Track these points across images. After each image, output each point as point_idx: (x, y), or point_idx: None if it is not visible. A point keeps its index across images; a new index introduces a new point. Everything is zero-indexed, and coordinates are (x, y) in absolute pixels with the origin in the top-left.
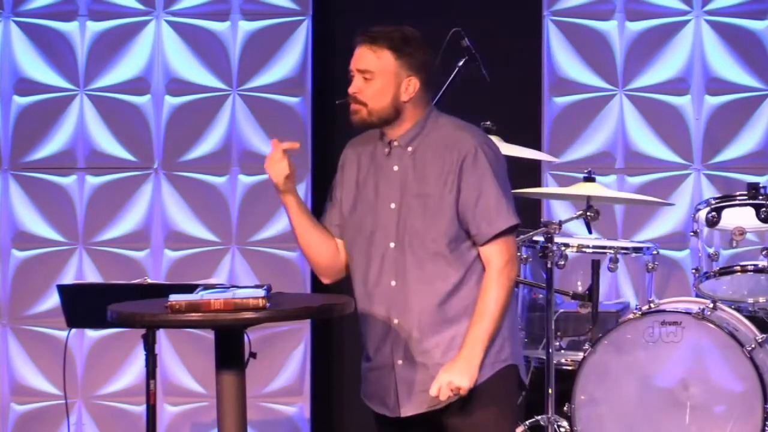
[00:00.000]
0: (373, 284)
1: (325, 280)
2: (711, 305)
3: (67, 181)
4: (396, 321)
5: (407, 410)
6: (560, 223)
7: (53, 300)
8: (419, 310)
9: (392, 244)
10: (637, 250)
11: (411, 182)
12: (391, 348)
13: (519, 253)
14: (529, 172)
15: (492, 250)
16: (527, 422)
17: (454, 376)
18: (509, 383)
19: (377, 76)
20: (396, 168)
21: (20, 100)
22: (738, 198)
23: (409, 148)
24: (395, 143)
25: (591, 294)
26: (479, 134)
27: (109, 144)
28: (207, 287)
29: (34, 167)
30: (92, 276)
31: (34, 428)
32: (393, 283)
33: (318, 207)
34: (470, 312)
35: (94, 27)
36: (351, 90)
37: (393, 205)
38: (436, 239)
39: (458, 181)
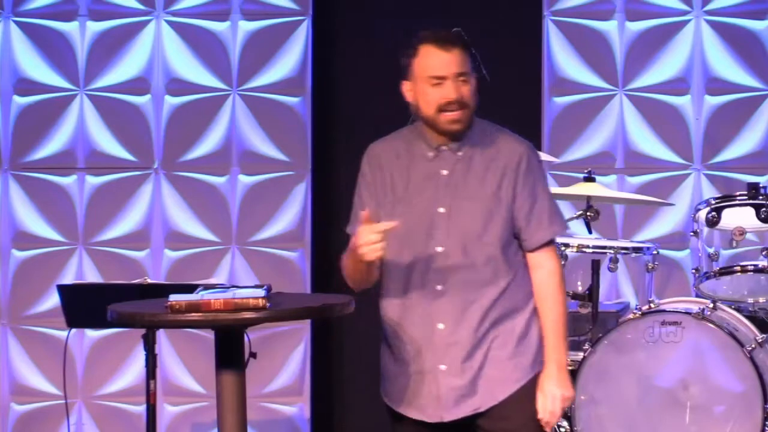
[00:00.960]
0: (417, 288)
1: (358, 289)
2: (711, 305)
3: (67, 181)
4: (441, 326)
5: (450, 415)
6: None
7: (53, 300)
8: (466, 315)
9: (439, 249)
10: (637, 250)
11: (463, 186)
12: (433, 353)
13: None
14: None
15: (543, 255)
16: None
17: (561, 388)
18: None
19: (469, 76)
20: (445, 172)
21: (20, 100)
22: (738, 198)
23: (460, 153)
24: (444, 148)
25: (591, 294)
26: (524, 140)
27: (109, 144)
28: (207, 287)
29: (34, 167)
30: (92, 276)
31: (34, 428)
32: (439, 287)
33: (318, 207)
34: (512, 316)
35: (94, 27)
36: (455, 95)
37: (442, 209)
38: (491, 243)
39: (514, 184)
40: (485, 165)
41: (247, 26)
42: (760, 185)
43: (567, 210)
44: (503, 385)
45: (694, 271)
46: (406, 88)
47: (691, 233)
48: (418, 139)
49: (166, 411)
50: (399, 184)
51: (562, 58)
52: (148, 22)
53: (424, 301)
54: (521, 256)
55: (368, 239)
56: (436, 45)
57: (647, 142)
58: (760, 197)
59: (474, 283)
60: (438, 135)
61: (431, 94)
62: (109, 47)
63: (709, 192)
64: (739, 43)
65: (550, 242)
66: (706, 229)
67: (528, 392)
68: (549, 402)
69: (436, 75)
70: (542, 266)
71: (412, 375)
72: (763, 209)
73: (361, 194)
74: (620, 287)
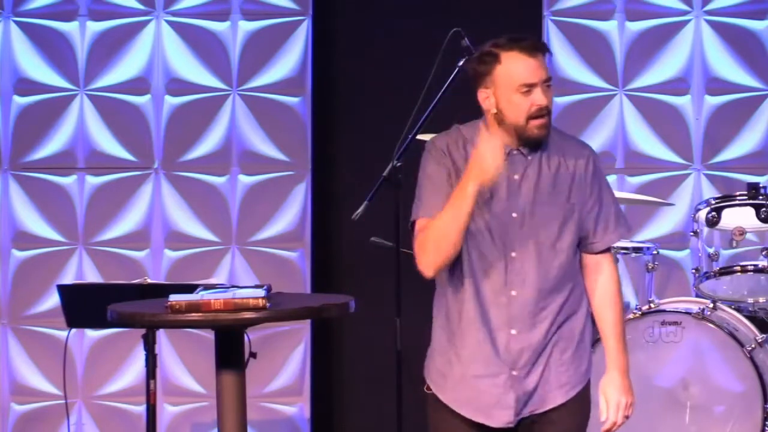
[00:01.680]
0: (490, 292)
1: (434, 273)
2: (711, 305)
3: (67, 181)
4: (514, 331)
5: (516, 418)
6: None
7: (53, 300)
8: (538, 321)
9: (514, 254)
10: (637, 250)
11: (535, 191)
12: (507, 358)
13: None
14: None
15: (605, 259)
16: None
17: (626, 395)
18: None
19: (551, 82)
20: (516, 177)
21: (20, 100)
22: (738, 198)
23: (529, 157)
24: (515, 152)
25: None
26: (587, 143)
27: (109, 144)
28: (207, 287)
29: (34, 167)
30: (92, 276)
31: (34, 428)
32: (513, 293)
33: (318, 207)
34: (571, 319)
35: (94, 27)
36: (545, 102)
37: (515, 215)
38: (564, 250)
39: (583, 191)
40: (555, 170)
41: (247, 26)
42: (760, 185)
43: None
44: (561, 390)
45: (694, 271)
46: (484, 96)
47: (691, 233)
48: (480, 139)
49: (166, 411)
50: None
51: (562, 58)
52: (148, 22)
53: (500, 306)
54: (578, 260)
55: (495, 147)
56: (522, 52)
57: (647, 142)
58: (760, 197)
59: (546, 289)
60: (513, 139)
61: (521, 102)
62: (109, 47)
63: (709, 192)
64: (739, 43)
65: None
66: (706, 229)
67: (581, 399)
68: (613, 410)
69: (526, 83)
70: (603, 270)
71: (481, 378)
72: (763, 209)
73: (435, 181)
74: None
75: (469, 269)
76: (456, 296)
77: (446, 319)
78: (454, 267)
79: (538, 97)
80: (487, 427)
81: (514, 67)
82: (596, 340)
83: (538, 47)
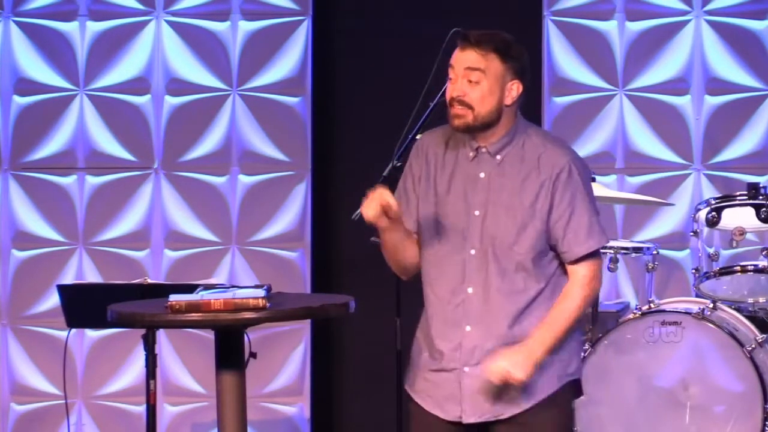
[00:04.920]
0: (450, 289)
1: (405, 278)
2: (711, 305)
3: (67, 181)
4: (468, 328)
5: (470, 418)
6: None
7: (53, 300)
8: (494, 321)
9: (473, 251)
10: (637, 250)
11: (498, 191)
12: (460, 354)
13: None
14: None
15: (579, 267)
16: None
17: (512, 366)
18: (570, 399)
19: (485, 78)
20: (482, 175)
21: (20, 100)
22: (738, 198)
23: (498, 157)
24: (483, 149)
25: None
26: (571, 149)
27: (109, 144)
28: (207, 287)
29: (34, 167)
30: (92, 276)
31: (34, 428)
32: (470, 290)
33: (318, 207)
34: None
35: (94, 27)
36: (455, 93)
37: (477, 213)
38: (522, 252)
39: (551, 197)
40: (524, 174)
41: (247, 26)
42: (760, 185)
43: None
44: (530, 395)
45: (694, 271)
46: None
47: (691, 233)
48: (464, 136)
49: (166, 411)
50: (442, 181)
51: (562, 58)
52: (148, 22)
53: (458, 303)
54: (557, 266)
55: (372, 200)
56: (461, 41)
57: (647, 142)
58: (760, 197)
59: (504, 290)
60: (479, 135)
61: (448, 88)
62: (109, 47)
63: (709, 192)
64: (739, 43)
65: (590, 256)
66: (706, 229)
67: (552, 403)
68: (496, 372)
69: (450, 66)
70: (574, 274)
71: (438, 372)
72: (763, 209)
73: (406, 185)
74: (620, 287)
75: (431, 265)
76: (426, 290)
77: (423, 314)
78: (424, 261)
79: (451, 87)
80: (456, 425)
81: (453, 54)
82: (596, 340)
83: (465, 37)
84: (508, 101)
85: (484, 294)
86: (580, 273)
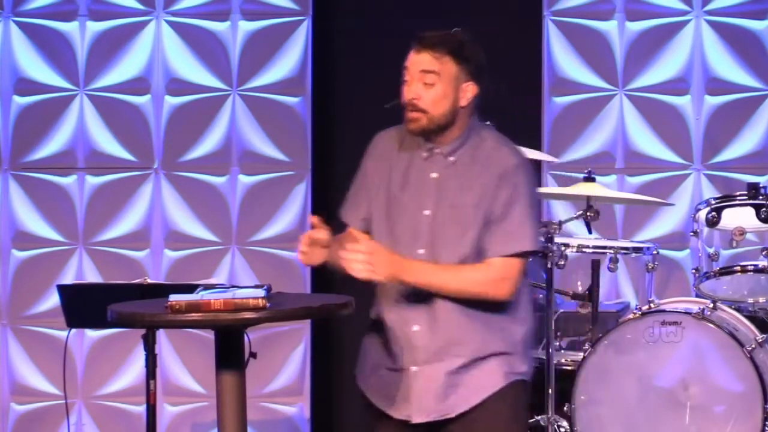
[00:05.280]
0: (399, 288)
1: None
2: (711, 305)
3: (67, 181)
4: (416, 328)
5: (419, 417)
6: (560, 223)
7: (53, 300)
8: (440, 319)
9: (421, 251)
10: (637, 250)
11: (448, 192)
12: (407, 353)
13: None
14: None
15: (497, 261)
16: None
17: (380, 261)
18: (521, 397)
19: (439, 81)
20: (434, 175)
21: (20, 100)
22: (738, 198)
23: (451, 158)
24: (437, 150)
25: (591, 294)
26: (520, 153)
27: (109, 144)
28: (207, 287)
29: (34, 167)
30: (92, 276)
31: (34, 428)
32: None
33: (318, 207)
34: (490, 327)
35: (94, 27)
36: (409, 96)
37: (427, 212)
38: (466, 252)
39: (492, 198)
40: (474, 175)
41: (247, 26)
42: (760, 185)
43: (567, 210)
44: (476, 392)
45: (694, 271)
46: None
47: (691, 233)
48: (423, 139)
49: (166, 411)
50: (394, 179)
51: (562, 58)
52: (148, 22)
53: (404, 302)
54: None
55: (305, 244)
56: (415, 44)
57: (647, 142)
58: (760, 197)
59: None
60: (433, 136)
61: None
62: (109, 47)
63: (709, 192)
64: (739, 43)
65: (512, 258)
66: (706, 229)
67: (501, 399)
68: (357, 252)
69: (404, 68)
70: (490, 266)
71: (387, 371)
72: (763, 209)
73: (358, 184)
74: (620, 287)
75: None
76: (378, 291)
77: (374, 312)
78: None
79: (406, 90)
80: (413, 426)
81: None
82: (597, 340)
83: (421, 42)
84: (463, 103)
85: (430, 295)
86: (495, 267)
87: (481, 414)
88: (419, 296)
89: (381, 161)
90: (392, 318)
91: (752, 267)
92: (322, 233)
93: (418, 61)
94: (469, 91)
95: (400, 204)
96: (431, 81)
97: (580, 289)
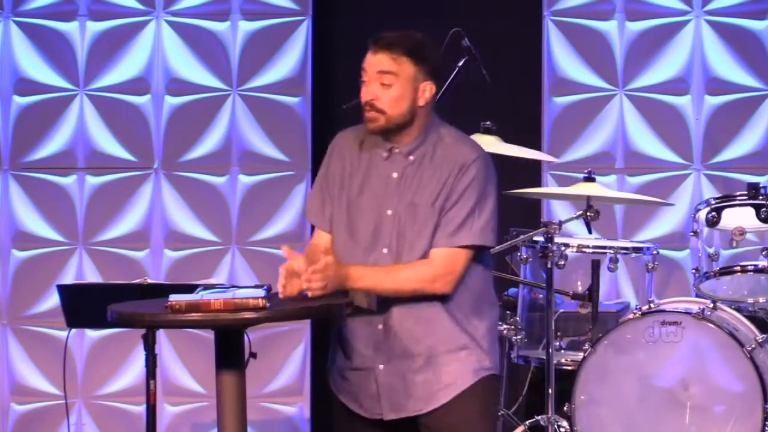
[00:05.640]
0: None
1: None
2: (711, 305)
3: (67, 181)
4: (380, 326)
5: (389, 415)
6: (560, 223)
7: (53, 300)
8: (403, 317)
9: (385, 250)
10: (637, 250)
11: (408, 191)
12: (373, 352)
13: (519, 253)
14: (529, 172)
15: (440, 254)
16: (527, 422)
17: (330, 276)
18: (490, 391)
19: (396, 81)
20: (395, 175)
21: (20, 100)
22: (738, 198)
23: (411, 157)
24: (396, 150)
25: (591, 294)
26: (479, 149)
27: (109, 144)
28: (207, 287)
29: (34, 167)
30: (92, 276)
31: (34, 428)
32: None
33: None
34: (453, 320)
35: (94, 27)
36: (367, 97)
37: (390, 212)
38: (423, 248)
39: (447, 194)
40: (431, 172)
41: (247, 26)
42: (760, 185)
43: (567, 210)
44: (445, 389)
45: (694, 271)
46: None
47: (691, 233)
48: (378, 136)
49: (166, 411)
50: (355, 180)
51: (562, 58)
52: (148, 22)
53: (367, 299)
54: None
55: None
56: (372, 45)
57: (647, 142)
58: (760, 197)
59: None
60: (392, 136)
61: (362, 93)
62: (109, 47)
63: (709, 192)
64: (739, 43)
65: (456, 250)
66: (706, 229)
67: (472, 393)
68: (310, 274)
69: (362, 70)
70: (431, 260)
71: (355, 371)
72: (763, 209)
73: (321, 185)
74: (620, 287)
75: (345, 263)
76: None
77: None
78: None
79: (364, 90)
80: (386, 424)
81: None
82: (597, 340)
83: (378, 43)
84: (421, 102)
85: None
86: (435, 262)
87: (451, 410)
88: (380, 296)
89: (342, 161)
90: (356, 318)
91: (752, 267)
92: (299, 262)
93: (376, 61)
94: (427, 90)
95: (360, 204)
96: (389, 81)
97: (580, 289)
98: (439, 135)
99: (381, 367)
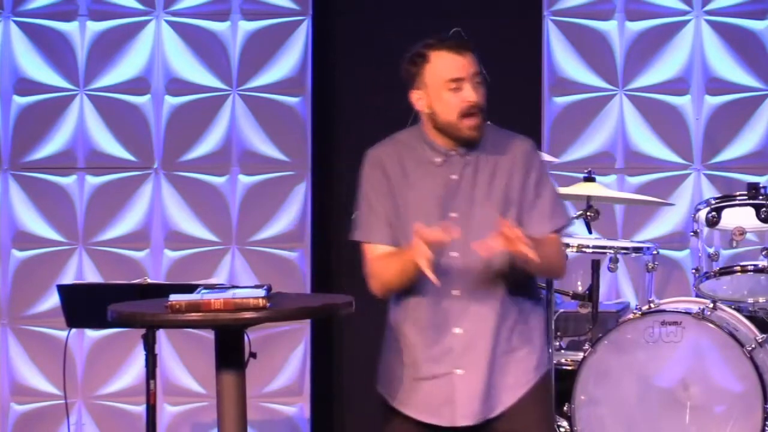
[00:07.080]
0: (432, 293)
1: (387, 296)
2: (711, 305)
3: (67, 181)
4: (457, 330)
5: (465, 420)
6: None
7: (53, 300)
8: (483, 320)
9: (454, 254)
10: (637, 250)
11: (473, 190)
12: (450, 358)
13: None
14: None
15: (553, 239)
16: None
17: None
18: (550, 388)
19: (482, 81)
20: (455, 177)
21: (20, 100)
22: (738, 198)
23: (468, 157)
24: (452, 152)
25: (591, 294)
26: (525, 137)
27: (109, 144)
28: (207, 287)
29: (34, 167)
30: (92, 276)
31: (34, 428)
32: (455, 292)
33: (318, 207)
34: (521, 319)
35: (94, 27)
36: (476, 99)
37: (454, 214)
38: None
39: (521, 183)
40: (492, 168)
41: (247, 26)
42: (760, 185)
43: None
44: (513, 389)
45: (694, 271)
46: (417, 97)
47: (691, 233)
48: (422, 144)
49: (166, 411)
50: (405, 192)
51: (562, 58)
52: (148, 22)
53: (440, 306)
54: None
55: (424, 251)
56: (449, 50)
57: (647, 142)
58: (760, 197)
59: (489, 287)
60: (449, 140)
61: (451, 99)
62: (109, 47)
63: (709, 192)
64: (739, 43)
65: (555, 233)
66: (706, 229)
67: (536, 393)
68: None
69: (454, 77)
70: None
71: (429, 380)
72: (763, 209)
73: (371, 201)
74: (620, 287)
75: None
76: (402, 297)
77: (393, 322)
78: None
79: (468, 93)
80: (437, 428)
81: (442, 64)
82: (597, 340)
83: (462, 44)
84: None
85: (470, 295)
86: (551, 240)
87: (516, 410)
88: (458, 299)
89: (386, 177)
90: (427, 324)
91: (752, 267)
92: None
93: (468, 63)
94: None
95: (418, 214)
96: (480, 81)
97: (580, 289)
98: (485, 130)
99: (459, 372)
